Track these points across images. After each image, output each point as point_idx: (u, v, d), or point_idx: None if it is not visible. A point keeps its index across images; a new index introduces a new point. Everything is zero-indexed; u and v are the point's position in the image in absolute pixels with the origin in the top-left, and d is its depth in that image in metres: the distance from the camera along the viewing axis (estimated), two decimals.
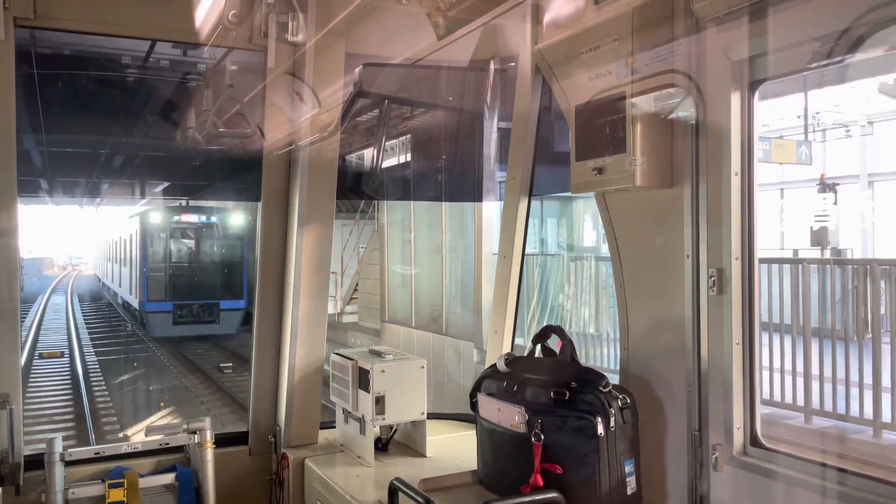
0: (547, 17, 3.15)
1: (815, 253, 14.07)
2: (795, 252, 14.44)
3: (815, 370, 7.44)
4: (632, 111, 2.66)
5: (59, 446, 3.34)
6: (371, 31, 3.78)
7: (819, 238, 14.54)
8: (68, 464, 3.41)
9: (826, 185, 15.11)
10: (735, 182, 2.54)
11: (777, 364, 7.87)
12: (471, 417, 3.23)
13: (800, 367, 7.63)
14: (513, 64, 3.74)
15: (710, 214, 2.61)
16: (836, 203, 14.90)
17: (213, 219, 25.09)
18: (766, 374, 7.95)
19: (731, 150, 2.53)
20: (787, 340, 7.89)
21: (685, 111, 2.65)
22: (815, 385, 7.43)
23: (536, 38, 3.26)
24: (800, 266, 7.92)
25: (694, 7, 2.48)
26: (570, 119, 2.99)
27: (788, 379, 7.73)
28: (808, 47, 2.26)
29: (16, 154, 3.29)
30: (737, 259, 2.56)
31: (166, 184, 22.08)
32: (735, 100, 2.52)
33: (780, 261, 8.79)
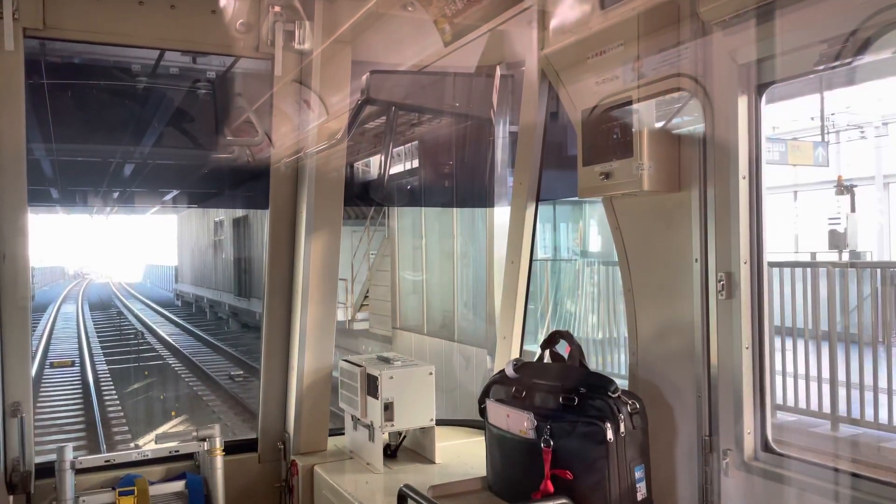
0: (553, 23, 3.15)
1: (833, 256, 13.92)
2: (813, 255, 14.30)
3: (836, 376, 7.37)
4: (638, 115, 2.65)
5: (69, 454, 3.35)
6: (377, 38, 3.78)
7: (837, 241, 14.38)
8: (79, 472, 3.43)
9: (843, 188, 14.97)
10: (743, 185, 2.53)
11: (801, 370, 7.80)
12: (480, 424, 3.22)
13: (818, 373, 7.56)
14: (520, 69, 3.74)
15: (717, 218, 2.60)
16: (853, 205, 14.75)
17: None
18: (789, 381, 7.91)
19: (738, 153, 2.51)
20: (802, 344, 7.84)
21: (692, 115, 2.64)
22: (841, 391, 7.37)
23: (543, 43, 3.26)
24: (819, 269, 7.85)
25: (700, 11, 2.47)
26: (577, 124, 2.98)
27: (812, 385, 7.66)
28: (816, 50, 2.25)
29: (26, 163, 3.31)
30: (745, 263, 2.55)
31: (175, 192, 22.13)
32: (742, 103, 2.50)
33: (796, 264, 8.72)
